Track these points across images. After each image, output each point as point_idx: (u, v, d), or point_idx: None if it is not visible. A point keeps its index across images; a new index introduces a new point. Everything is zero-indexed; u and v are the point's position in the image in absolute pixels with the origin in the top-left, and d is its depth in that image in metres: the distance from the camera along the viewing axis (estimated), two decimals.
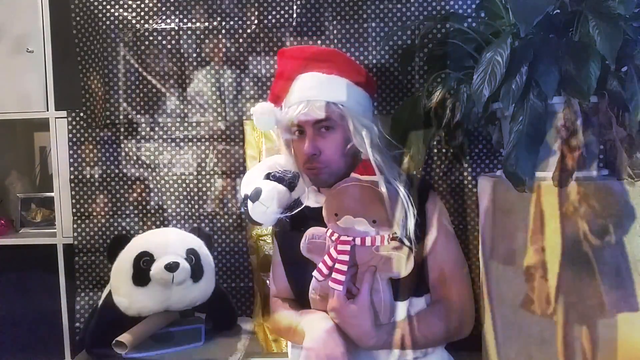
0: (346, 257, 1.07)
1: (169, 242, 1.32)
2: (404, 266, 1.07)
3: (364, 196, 1.10)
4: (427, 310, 1.15)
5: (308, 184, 1.25)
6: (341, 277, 1.06)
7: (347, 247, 1.07)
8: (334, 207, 1.11)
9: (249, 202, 1.26)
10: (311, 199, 1.24)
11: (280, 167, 1.30)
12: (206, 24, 1.56)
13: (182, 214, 1.61)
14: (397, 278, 1.09)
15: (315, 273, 1.10)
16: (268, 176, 1.28)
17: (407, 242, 1.09)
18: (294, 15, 1.54)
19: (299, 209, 1.21)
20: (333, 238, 1.10)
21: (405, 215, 1.10)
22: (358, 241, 1.08)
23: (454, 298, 1.16)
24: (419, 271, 1.13)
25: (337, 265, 1.07)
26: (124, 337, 1.19)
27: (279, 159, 1.33)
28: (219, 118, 1.58)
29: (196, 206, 1.60)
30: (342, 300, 1.07)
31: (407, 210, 1.10)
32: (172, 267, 1.24)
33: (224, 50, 1.56)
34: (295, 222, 1.22)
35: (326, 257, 1.09)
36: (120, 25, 1.57)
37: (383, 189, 1.09)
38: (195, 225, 1.58)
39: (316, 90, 1.17)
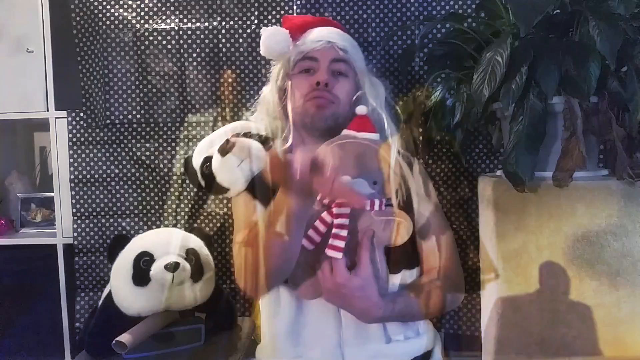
0: (346, 221, 0.95)
1: (169, 242, 1.32)
2: (403, 233, 0.98)
3: (364, 155, 0.96)
4: (423, 279, 1.10)
5: (297, 141, 1.14)
6: (340, 244, 0.94)
7: (347, 210, 0.95)
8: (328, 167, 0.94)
9: (216, 156, 1.05)
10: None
11: (248, 127, 1.17)
12: (206, 24, 1.57)
13: (182, 214, 1.61)
14: (390, 247, 1.00)
15: (304, 242, 0.97)
16: (238, 135, 1.11)
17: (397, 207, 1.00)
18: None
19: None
20: (326, 201, 0.99)
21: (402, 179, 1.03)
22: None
23: (446, 265, 1.11)
24: (410, 242, 1.05)
25: (335, 231, 0.95)
26: (124, 337, 1.19)
27: (249, 123, 1.22)
28: (219, 118, 1.58)
29: (196, 206, 1.60)
30: (345, 273, 0.95)
31: (404, 174, 1.04)
32: (172, 267, 1.24)
33: (224, 50, 1.57)
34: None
35: (317, 223, 0.97)
36: (120, 26, 1.57)
37: (394, 148, 0.99)
38: (195, 225, 1.58)
39: (339, 37, 1.15)
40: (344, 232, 0.95)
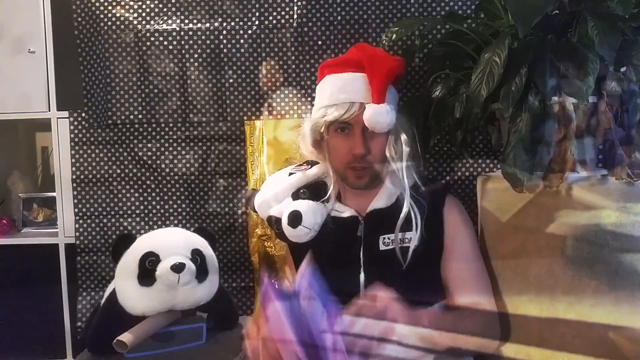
0: None
1: (175, 243, 1.32)
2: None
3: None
4: (449, 313, 1.12)
5: (340, 187, 1.22)
6: None
7: None
8: None
9: (288, 228, 1.18)
10: (335, 208, 1.22)
11: (306, 178, 1.25)
12: (207, 24, 1.57)
13: (184, 214, 1.61)
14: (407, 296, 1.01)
15: None
16: (297, 194, 1.22)
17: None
18: (295, 16, 1.55)
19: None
20: None
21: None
22: None
23: (479, 304, 1.12)
24: (430, 282, 1.12)
25: None
26: (125, 337, 1.19)
27: (304, 170, 1.28)
28: (220, 118, 1.59)
29: (197, 206, 1.60)
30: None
31: (415, 226, 1.11)
32: (178, 268, 1.24)
33: (225, 51, 1.57)
34: (323, 234, 1.19)
35: None
36: (122, 26, 1.58)
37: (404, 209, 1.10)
38: (198, 225, 1.59)
39: (369, 94, 1.13)
40: None
